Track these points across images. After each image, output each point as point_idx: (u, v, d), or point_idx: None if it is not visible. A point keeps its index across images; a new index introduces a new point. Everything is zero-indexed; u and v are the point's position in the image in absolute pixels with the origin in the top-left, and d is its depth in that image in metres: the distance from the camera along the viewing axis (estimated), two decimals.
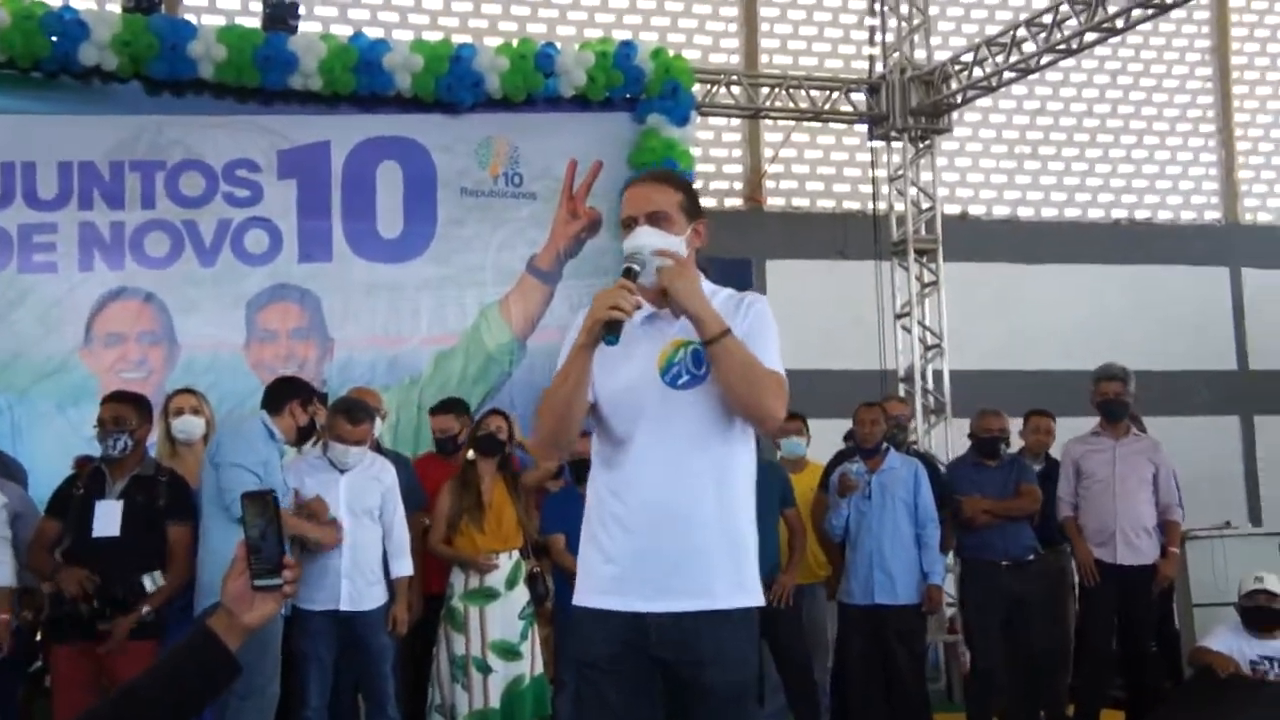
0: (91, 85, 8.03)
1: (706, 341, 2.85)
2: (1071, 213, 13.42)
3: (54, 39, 7.77)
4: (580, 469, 6.34)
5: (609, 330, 2.81)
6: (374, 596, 5.60)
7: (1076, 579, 7.09)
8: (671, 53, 9.47)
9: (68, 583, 5.01)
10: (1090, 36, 9.72)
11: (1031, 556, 6.81)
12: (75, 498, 5.20)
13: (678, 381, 2.92)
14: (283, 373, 6.67)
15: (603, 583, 2.93)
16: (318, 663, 5.48)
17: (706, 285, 3.00)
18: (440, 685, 5.86)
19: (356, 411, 5.68)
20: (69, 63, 7.88)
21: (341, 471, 5.60)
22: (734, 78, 10.88)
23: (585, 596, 2.96)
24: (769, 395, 2.87)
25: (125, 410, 5.27)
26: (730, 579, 2.90)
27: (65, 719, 4.88)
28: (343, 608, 5.49)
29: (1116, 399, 6.78)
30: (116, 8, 8.26)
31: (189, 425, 5.69)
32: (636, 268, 2.88)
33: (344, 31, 9.34)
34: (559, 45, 9.16)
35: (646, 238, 2.93)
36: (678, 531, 2.88)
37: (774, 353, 2.94)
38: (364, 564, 5.57)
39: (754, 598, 2.94)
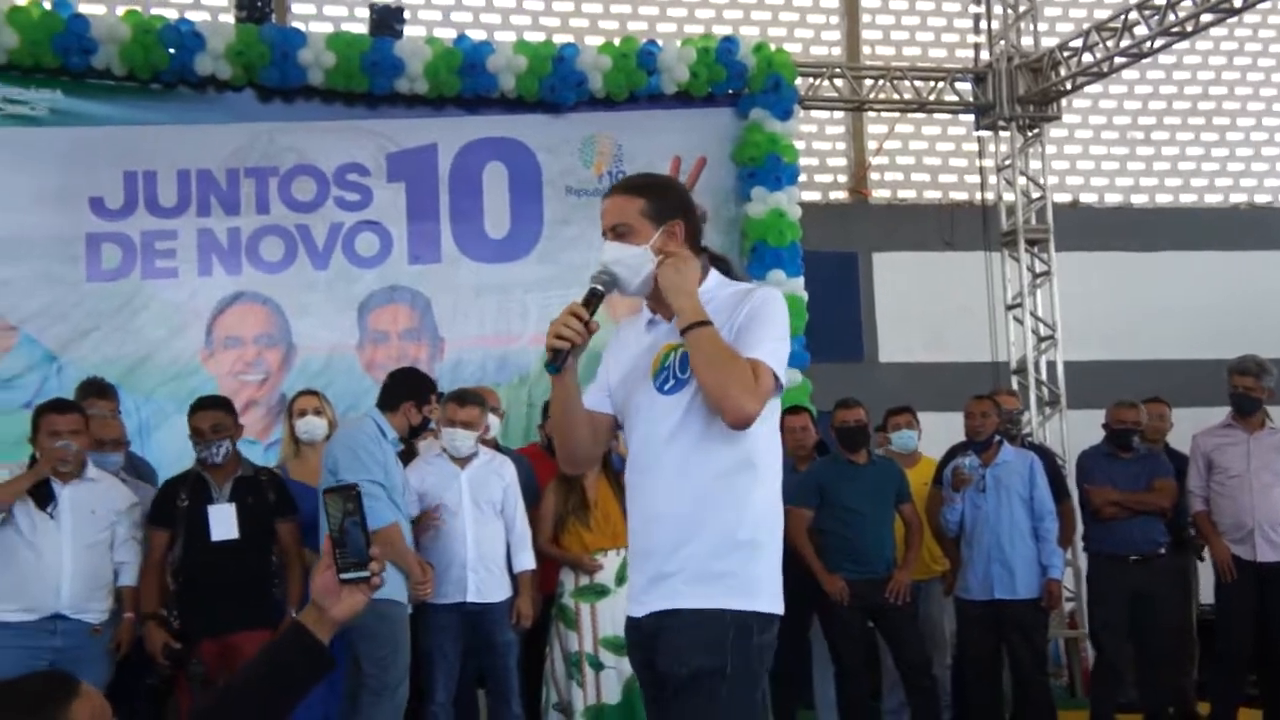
0: (207, 94, 8.24)
1: (681, 331, 2.83)
2: (1187, 198, 13.10)
3: (171, 51, 7.99)
4: None
5: (551, 359, 2.87)
6: (499, 589, 5.68)
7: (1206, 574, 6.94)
8: (773, 47, 9.45)
9: (150, 641, 5.18)
10: (1206, 18, 9.49)
11: (1161, 552, 6.69)
12: (181, 508, 5.30)
13: (665, 386, 2.91)
14: None
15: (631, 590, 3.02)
16: (444, 657, 5.56)
17: (714, 279, 2.99)
18: (555, 683, 5.92)
19: (465, 395, 5.81)
20: (186, 73, 8.09)
21: (462, 466, 5.68)
22: (837, 70, 10.81)
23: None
24: (734, 385, 2.76)
25: (222, 416, 5.39)
26: (695, 578, 2.81)
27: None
28: (469, 599, 5.57)
29: (1250, 393, 6.62)
30: (230, 19, 8.47)
31: (312, 426, 5.82)
32: (600, 288, 2.90)
33: (448, 35, 9.46)
34: (660, 42, 9.18)
35: (607, 254, 2.93)
36: (654, 536, 2.88)
37: (765, 343, 2.84)
38: (488, 557, 5.65)
39: (722, 599, 2.80)
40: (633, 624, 2.95)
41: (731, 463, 2.84)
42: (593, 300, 2.89)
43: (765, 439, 2.91)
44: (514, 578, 5.78)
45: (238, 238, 8.25)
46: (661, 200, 2.99)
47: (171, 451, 7.15)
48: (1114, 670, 6.68)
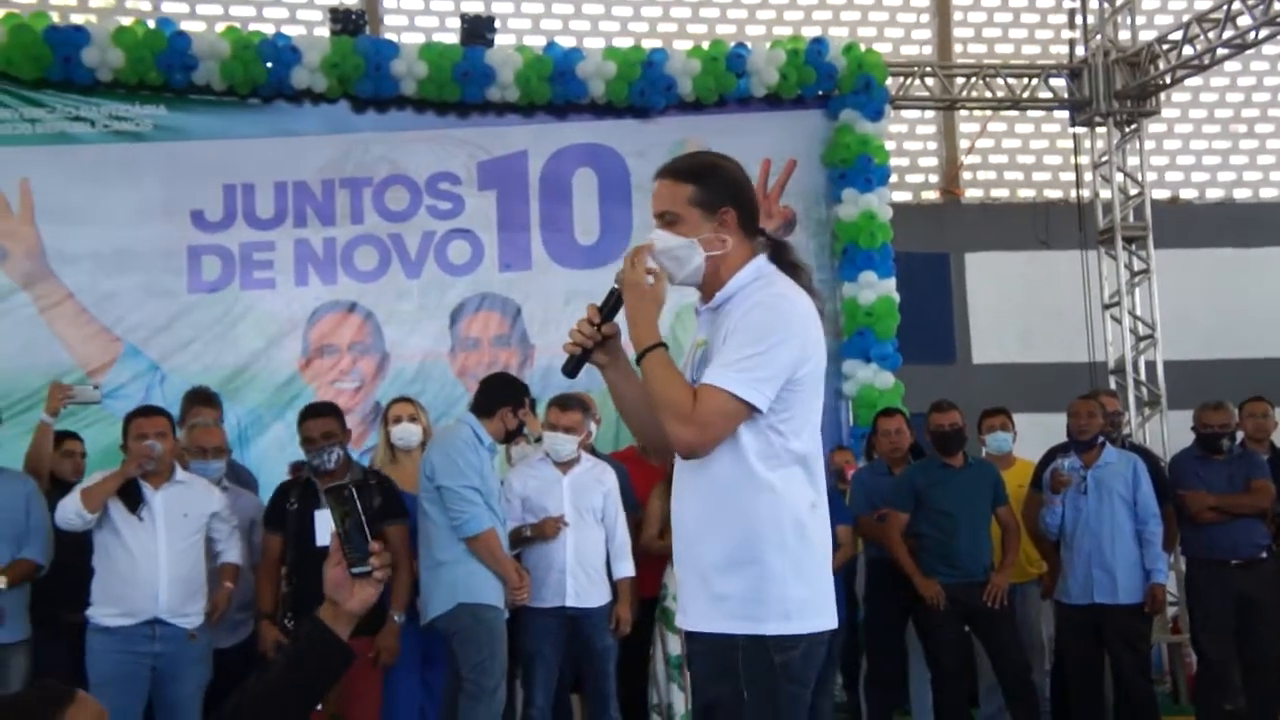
0: (303, 107, 8.41)
1: (636, 361, 2.77)
2: None
3: (269, 65, 8.16)
4: None
5: (566, 365, 2.84)
6: (599, 595, 5.70)
7: None
8: (863, 47, 9.39)
9: (264, 640, 5.32)
10: None
11: (1264, 555, 6.51)
12: (291, 512, 5.39)
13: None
14: None
15: None
16: (544, 662, 5.60)
17: (746, 274, 2.82)
18: (658, 686, 5.93)
19: (567, 399, 5.86)
20: (283, 86, 8.27)
21: (564, 472, 5.73)
22: (928, 69, 10.70)
23: None
24: (666, 413, 2.70)
25: (331, 424, 5.47)
26: (707, 599, 2.72)
27: None
28: (569, 604, 5.60)
29: None
30: (325, 32, 8.62)
31: (407, 433, 5.89)
32: (617, 286, 2.84)
33: (537, 42, 9.54)
34: (750, 45, 9.17)
35: (658, 242, 2.84)
36: (675, 545, 2.85)
37: (728, 367, 2.68)
38: (588, 562, 5.68)
39: (733, 624, 2.68)
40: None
41: (736, 475, 2.71)
42: (611, 301, 2.85)
43: (774, 450, 2.73)
44: (614, 584, 5.79)
45: (333, 248, 8.40)
46: (710, 187, 2.84)
47: (270, 459, 7.29)
48: (1220, 676, 6.52)
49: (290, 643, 2.37)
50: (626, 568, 5.81)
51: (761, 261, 2.86)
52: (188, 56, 8.03)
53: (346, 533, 2.25)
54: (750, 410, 2.68)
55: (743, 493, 2.70)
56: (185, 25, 8.55)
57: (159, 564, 5.06)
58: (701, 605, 2.73)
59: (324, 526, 5.26)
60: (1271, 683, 6.59)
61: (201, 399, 6.36)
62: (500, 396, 5.47)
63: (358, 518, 2.25)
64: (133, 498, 5.07)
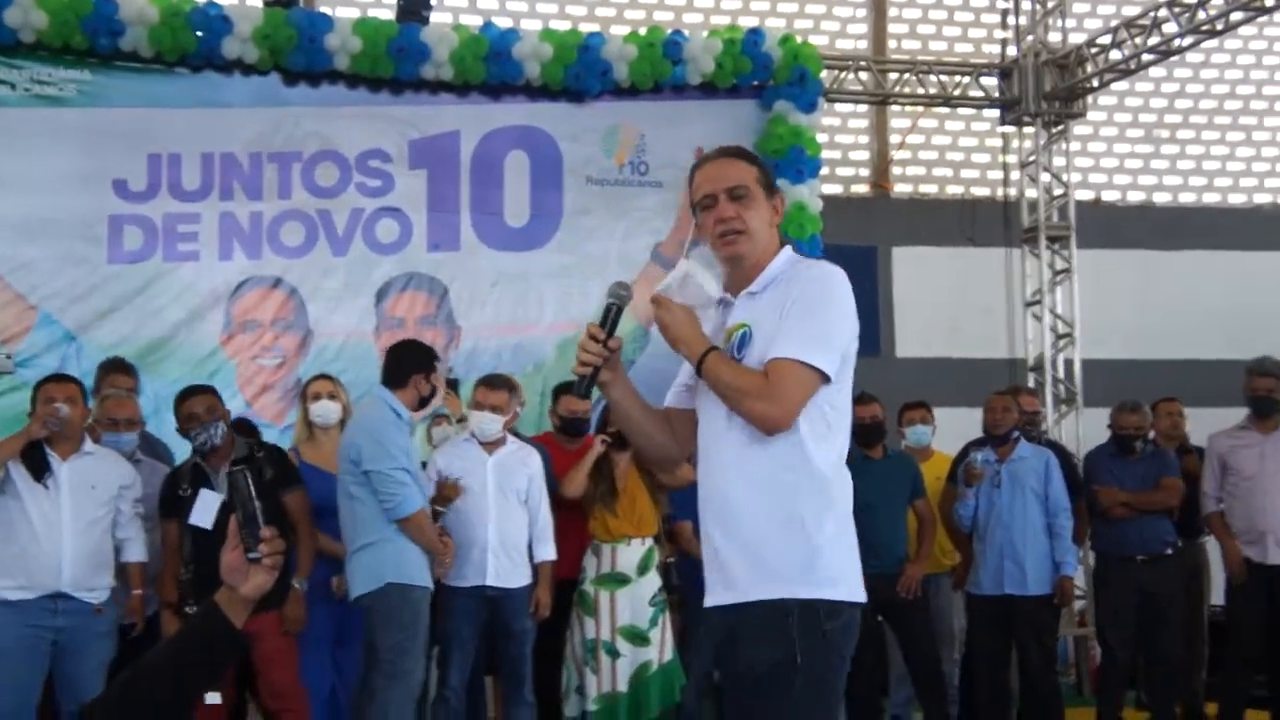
0: (233, 78, 8.25)
1: (695, 371, 2.83)
2: (1211, 198, 13.00)
3: (199, 33, 8.00)
4: None
5: (579, 386, 2.88)
6: (519, 576, 5.70)
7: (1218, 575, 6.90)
8: (799, 39, 9.40)
9: (166, 630, 5.18)
10: (1236, 16, 9.42)
11: (1169, 551, 6.64)
12: (185, 498, 5.28)
13: None
14: None
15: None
16: (460, 643, 5.58)
17: (783, 258, 2.92)
18: (573, 668, 5.93)
19: (494, 379, 5.88)
20: (213, 56, 8.10)
21: (489, 452, 5.70)
22: (862, 63, 10.77)
23: None
24: (748, 398, 2.75)
25: (213, 399, 5.40)
26: (753, 570, 2.77)
27: None
28: (489, 583, 5.58)
29: (1269, 395, 6.58)
30: (258, 2, 8.47)
31: (326, 410, 5.83)
32: (615, 302, 2.89)
33: (474, 21, 9.44)
34: (687, 33, 9.15)
35: (688, 268, 2.94)
36: (713, 525, 2.86)
37: (797, 335, 2.76)
38: (509, 543, 5.68)
39: (785, 588, 2.74)
40: (705, 616, 2.91)
41: (788, 448, 2.78)
42: (608, 317, 2.88)
43: (825, 423, 2.82)
44: (535, 568, 5.78)
45: (259, 222, 8.26)
46: (768, 174, 2.99)
47: None
48: (1120, 669, 6.65)
49: (184, 626, 2.35)
50: (548, 551, 5.81)
51: (790, 249, 2.97)
52: (114, 21, 7.84)
53: (245, 517, 2.26)
54: (822, 379, 2.77)
55: (794, 465, 2.77)
56: None
57: (63, 536, 4.96)
58: (750, 575, 2.77)
59: (202, 506, 5.15)
60: (1172, 676, 6.74)
61: (116, 367, 6.26)
62: (411, 364, 5.38)
63: (252, 504, 2.27)
64: (39, 466, 4.96)
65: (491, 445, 5.76)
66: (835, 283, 2.84)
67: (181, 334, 8.03)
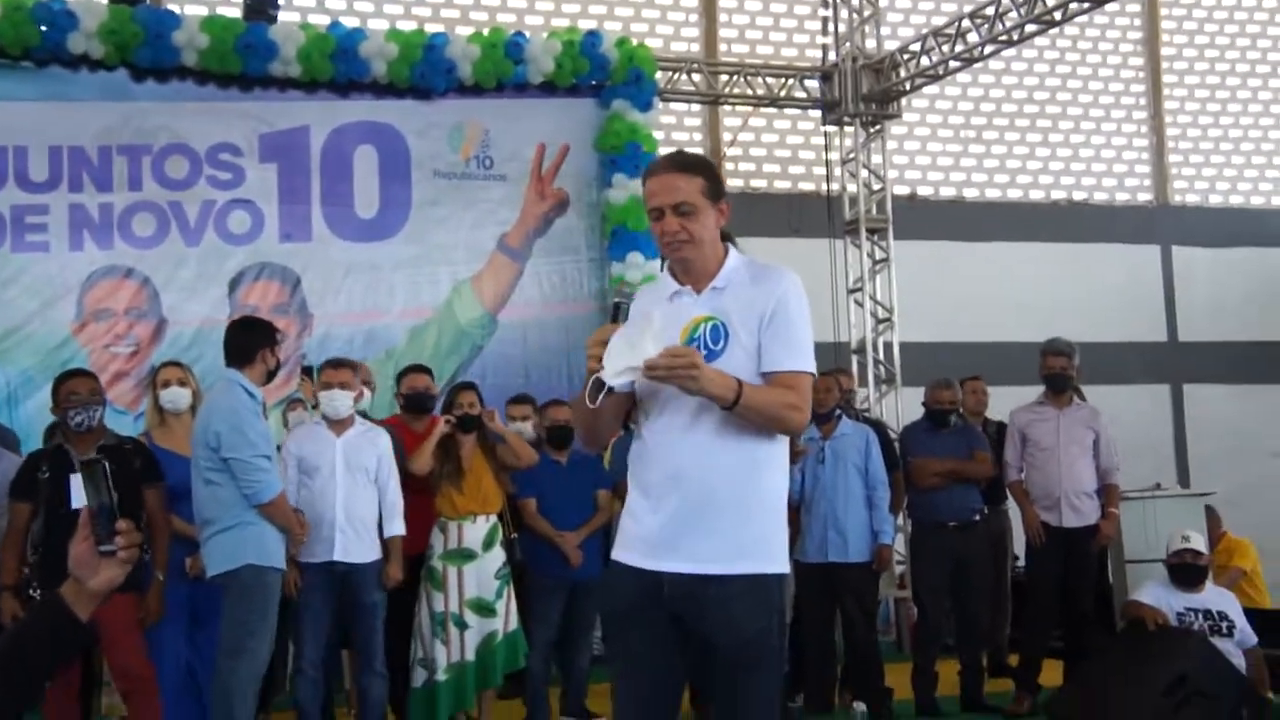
0: (79, 72, 7.98)
1: (727, 407, 2.84)
2: (1014, 194, 13.53)
3: (44, 29, 7.73)
4: (556, 436, 6.39)
5: (593, 392, 2.84)
6: (368, 551, 5.64)
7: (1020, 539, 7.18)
8: (635, 41, 9.50)
9: (3, 612, 4.98)
10: (1030, 28, 9.81)
11: (977, 518, 6.90)
12: (42, 480, 5.08)
13: None
14: None
15: (630, 541, 2.99)
16: (314, 616, 5.52)
17: (734, 259, 3.01)
18: (422, 639, 5.92)
19: (337, 360, 5.84)
20: (59, 51, 7.84)
21: (338, 434, 5.65)
22: (694, 65, 10.90)
23: (616, 553, 3.03)
24: (784, 416, 2.90)
25: (95, 384, 5.24)
26: (736, 545, 2.89)
27: None
28: (338, 558, 5.53)
29: (1062, 373, 6.85)
30: None
31: (176, 396, 5.68)
32: (622, 300, 2.90)
33: (322, 21, 9.31)
34: (528, 34, 9.17)
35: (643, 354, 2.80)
36: (690, 498, 2.90)
37: (795, 349, 2.93)
38: (357, 519, 5.61)
39: (763, 564, 2.91)
40: (652, 576, 2.91)
41: (760, 436, 2.92)
42: (619, 314, 2.88)
43: None
44: (385, 543, 5.75)
45: (110, 213, 8.03)
46: (715, 180, 3.01)
47: (40, 422, 6.93)
48: (934, 627, 6.90)
49: (23, 618, 2.21)
50: (397, 526, 5.78)
51: (734, 249, 3.07)
52: None
53: (99, 508, 2.10)
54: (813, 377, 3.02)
55: (761, 451, 2.93)
56: None
57: None
58: (733, 549, 2.89)
59: (79, 490, 5.00)
60: (978, 631, 7.03)
61: None
62: (256, 340, 5.21)
63: (108, 494, 2.11)
64: None
65: (340, 426, 5.71)
66: (803, 295, 3.01)
67: (33, 323, 7.77)
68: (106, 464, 2.13)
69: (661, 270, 3.23)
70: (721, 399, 2.83)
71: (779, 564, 2.95)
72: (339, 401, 5.68)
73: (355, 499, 5.63)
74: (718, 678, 2.93)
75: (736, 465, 2.90)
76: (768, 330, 2.92)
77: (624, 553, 3.00)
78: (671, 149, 11.93)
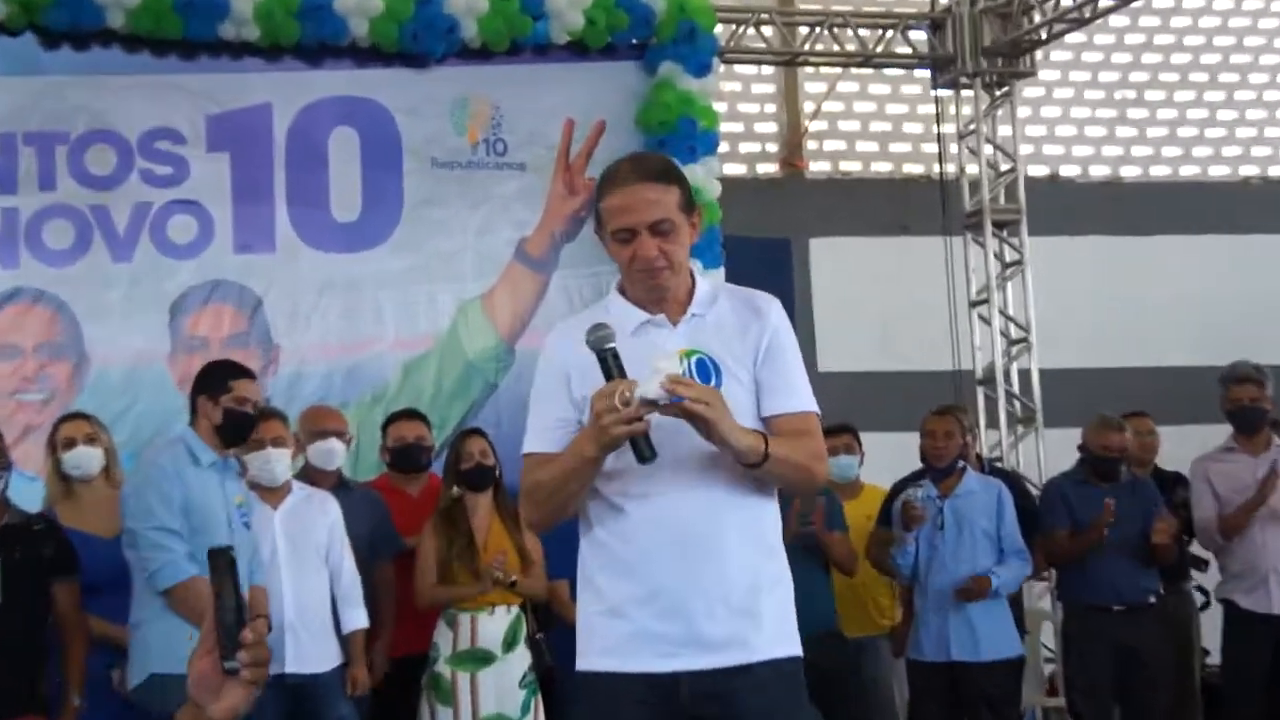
0: None
1: (753, 464, 3.03)
2: (1188, 171, 13.41)
3: None
4: None
5: (640, 452, 2.95)
6: (326, 656, 5.66)
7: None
8: None
9: None
10: None
11: (1151, 600, 6.80)
12: None
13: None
14: None
15: (621, 644, 3.02)
16: None
17: (705, 287, 3.26)
18: None
19: (262, 409, 5.68)
20: None
21: (273, 505, 5.65)
22: (765, 16, 10.92)
23: (599, 661, 3.05)
24: (815, 465, 3.19)
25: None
26: (760, 627, 3.08)
27: None
28: (289, 670, 5.51)
29: (1252, 405, 6.74)
30: None
31: (82, 458, 5.69)
32: (602, 350, 2.99)
33: None
34: None
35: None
36: (700, 574, 2.98)
37: (799, 383, 3.23)
38: (309, 617, 5.62)
39: (789, 646, 3.14)
40: (661, 679, 3.02)
41: (763, 500, 3.18)
42: (609, 367, 2.98)
43: None
44: (344, 640, 5.75)
45: (15, 221, 8.09)
46: (688, 189, 3.24)
47: None
48: None
49: None
50: (358, 618, 5.80)
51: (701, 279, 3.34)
52: None
53: (223, 614, 2.02)
54: None
55: (768, 515, 3.20)
56: None
57: None
58: (759, 633, 3.07)
59: None
60: None
61: None
62: (196, 389, 5.30)
63: (234, 595, 2.03)
64: None
65: (274, 495, 5.72)
66: (788, 323, 3.29)
67: None
68: (231, 555, 2.05)
69: (620, 292, 3.30)
70: (752, 450, 2.98)
71: (795, 645, 3.16)
72: (276, 463, 5.68)
73: (305, 589, 5.64)
74: None
75: (742, 524, 3.10)
76: (764, 367, 3.18)
77: (615, 659, 3.03)
78: (736, 125, 12.08)
